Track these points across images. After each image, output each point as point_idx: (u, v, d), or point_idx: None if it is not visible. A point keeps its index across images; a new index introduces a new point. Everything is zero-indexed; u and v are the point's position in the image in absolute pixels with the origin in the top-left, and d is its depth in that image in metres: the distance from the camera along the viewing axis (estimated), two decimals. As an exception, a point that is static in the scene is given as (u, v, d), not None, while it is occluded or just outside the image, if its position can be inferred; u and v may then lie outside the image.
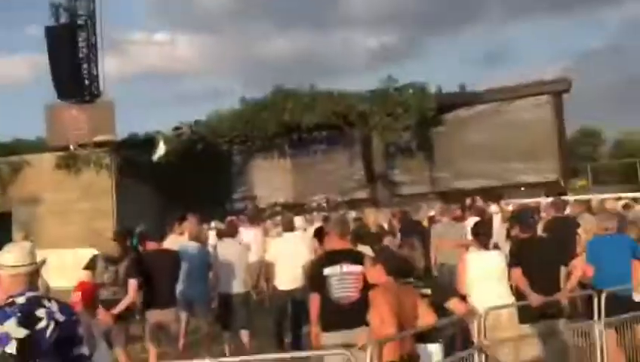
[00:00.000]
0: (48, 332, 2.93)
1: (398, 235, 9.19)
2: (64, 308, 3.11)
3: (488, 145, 27.16)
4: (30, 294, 3.02)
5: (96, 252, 6.38)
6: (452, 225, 9.84)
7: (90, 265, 6.05)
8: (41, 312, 2.96)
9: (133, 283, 6.00)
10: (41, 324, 2.93)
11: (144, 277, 6.21)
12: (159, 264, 6.42)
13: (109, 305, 5.86)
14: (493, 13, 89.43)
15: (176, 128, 29.06)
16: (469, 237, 7.81)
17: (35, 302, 2.99)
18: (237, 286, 7.84)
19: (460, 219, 10.79)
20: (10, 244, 3.30)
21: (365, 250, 6.55)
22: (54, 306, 3.03)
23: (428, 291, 4.76)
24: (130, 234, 6.65)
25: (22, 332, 2.87)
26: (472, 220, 9.49)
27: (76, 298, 4.77)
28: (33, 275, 3.12)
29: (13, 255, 3.09)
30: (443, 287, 5.16)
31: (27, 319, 2.91)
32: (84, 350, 3.11)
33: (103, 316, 5.78)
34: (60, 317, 3.01)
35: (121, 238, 6.29)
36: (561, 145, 27.22)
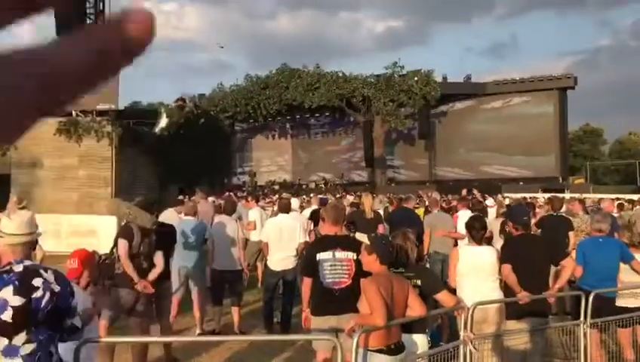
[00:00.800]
0: (44, 301, 2.96)
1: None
2: (60, 278, 3.15)
3: (489, 138, 27.17)
4: (28, 263, 3.06)
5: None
6: (443, 215, 9.96)
7: (128, 235, 6.02)
8: (37, 281, 2.98)
9: (160, 254, 6.10)
10: (37, 294, 2.96)
11: None
12: (157, 238, 6.47)
13: (144, 274, 5.94)
14: (504, 4, 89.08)
15: (179, 100, 29.06)
16: (460, 228, 7.86)
17: (33, 271, 3.02)
18: (231, 264, 7.91)
19: (453, 209, 10.93)
20: (12, 213, 3.35)
21: (362, 237, 6.61)
22: (51, 276, 3.06)
23: (418, 282, 4.82)
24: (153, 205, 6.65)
25: (18, 301, 2.91)
26: (463, 212, 9.57)
27: (78, 266, 4.69)
28: (32, 245, 3.16)
29: (15, 223, 3.13)
30: (433, 278, 5.21)
31: (24, 287, 2.93)
32: (77, 321, 3.16)
33: (144, 285, 5.85)
34: (56, 288, 3.03)
35: (151, 209, 6.34)
36: (562, 142, 27.22)
